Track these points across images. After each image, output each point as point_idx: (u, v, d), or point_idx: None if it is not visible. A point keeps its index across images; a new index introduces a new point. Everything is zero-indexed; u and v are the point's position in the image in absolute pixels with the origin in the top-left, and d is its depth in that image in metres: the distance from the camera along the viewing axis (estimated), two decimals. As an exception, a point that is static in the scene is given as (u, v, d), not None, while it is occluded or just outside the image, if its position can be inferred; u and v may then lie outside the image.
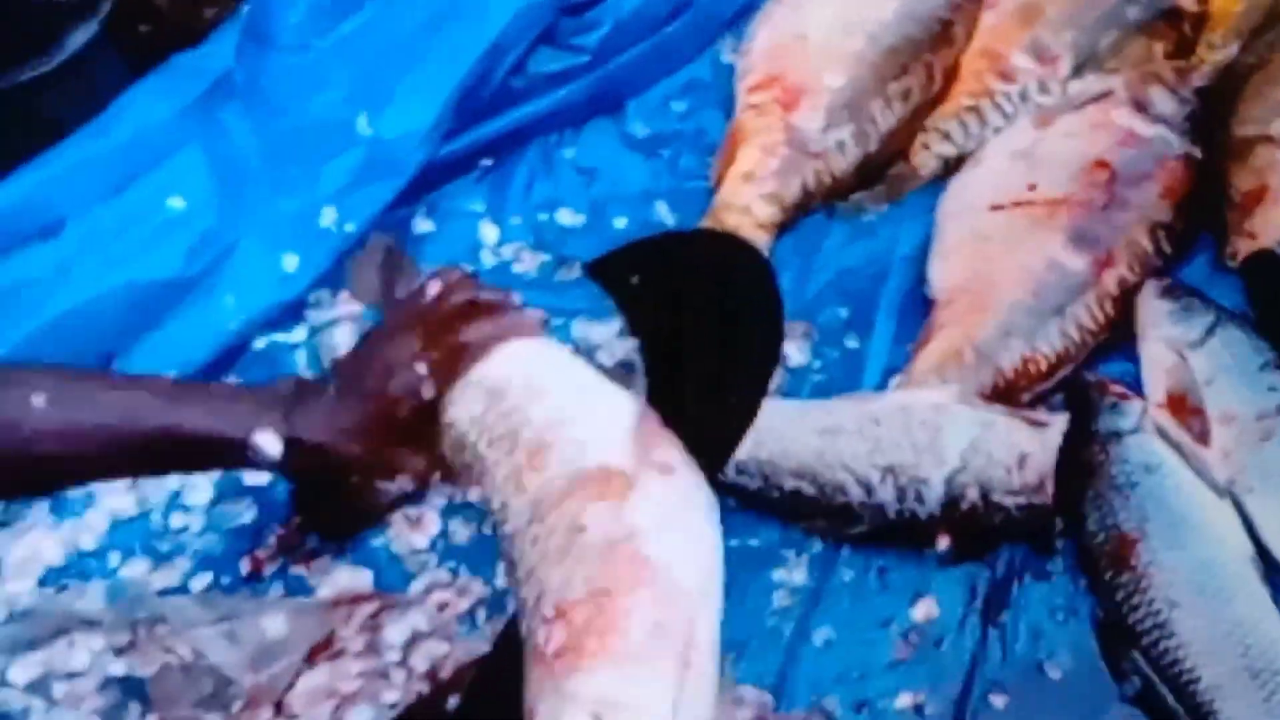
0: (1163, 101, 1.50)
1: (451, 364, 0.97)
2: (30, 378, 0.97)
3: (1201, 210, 1.46)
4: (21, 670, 1.22)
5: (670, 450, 0.90)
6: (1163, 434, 1.29)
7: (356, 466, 0.99)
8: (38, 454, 0.95)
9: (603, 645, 0.81)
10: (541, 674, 0.82)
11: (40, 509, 1.29)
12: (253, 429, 0.96)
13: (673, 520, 0.87)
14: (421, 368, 0.97)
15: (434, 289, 1.01)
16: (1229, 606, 1.20)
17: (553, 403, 0.93)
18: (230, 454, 0.97)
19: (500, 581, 1.28)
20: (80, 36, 1.44)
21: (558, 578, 0.84)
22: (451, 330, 0.98)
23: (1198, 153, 1.47)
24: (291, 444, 0.97)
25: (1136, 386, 1.34)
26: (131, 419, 0.95)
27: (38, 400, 0.94)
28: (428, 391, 0.97)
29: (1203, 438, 1.29)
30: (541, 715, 0.80)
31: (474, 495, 0.97)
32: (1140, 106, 1.49)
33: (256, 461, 0.98)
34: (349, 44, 1.44)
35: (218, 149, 1.37)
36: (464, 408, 0.95)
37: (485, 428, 0.93)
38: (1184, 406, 1.32)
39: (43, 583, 1.26)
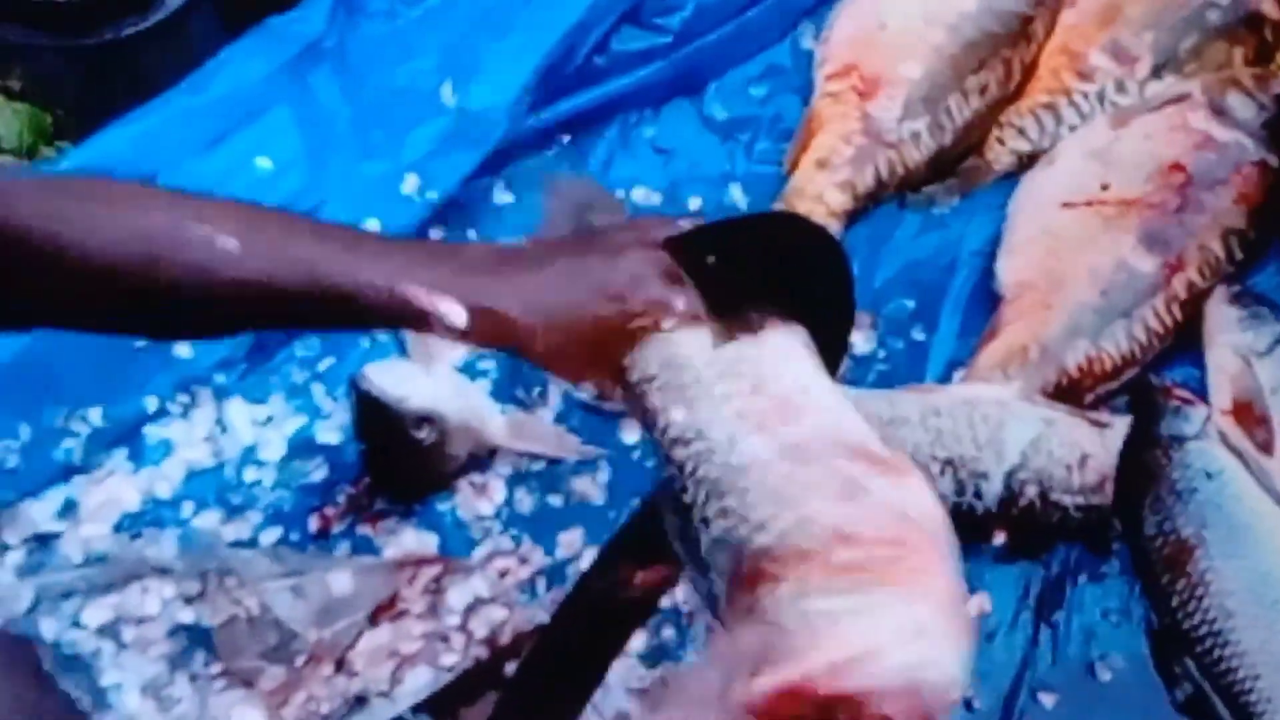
0: (1241, 107, 1.49)
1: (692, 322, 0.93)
2: (215, 214, 0.92)
3: (1275, 218, 1.45)
4: (94, 613, 1.25)
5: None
6: (1226, 441, 1.29)
7: (543, 359, 0.93)
8: (221, 299, 0.91)
9: (916, 581, 0.83)
10: (825, 574, 0.83)
11: (119, 456, 1.32)
12: (436, 294, 0.90)
13: (945, 518, 0.89)
14: (679, 302, 0.92)
15: (687, 226, 0.96)
16: (1286, 618, 1.21)
17: (804, 373, 0.93)
18: (414, 319, 0.91)
19: (561, 552, 1.30)
20: (178, -4, 1.46)
21: (840, 513, 0.84)
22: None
23: (1274, 160, 1.47)
24: (485, 315, 0.91)
25: (1201, 392, 1.34)
26: (317, 276, 0.90)
27: (227, 244, 0.89)
28: (668, 324, 0.92)
29: (1266, 447, 1.30)
30: (835, 604, 0.82)
31: (677, 416, 0.91)
32: (1218, 111, 1.49)
33: (438, 330, 0.92)
34: (437, 14, 1.46)
35: (306, 112, 1.40)
36: (693, 333, 0.93)
37: (717, 360, 0.92)
38: (1249, 414, 1.32)
39: (118, 528, 1.29)
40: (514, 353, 0.94)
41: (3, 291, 0.89)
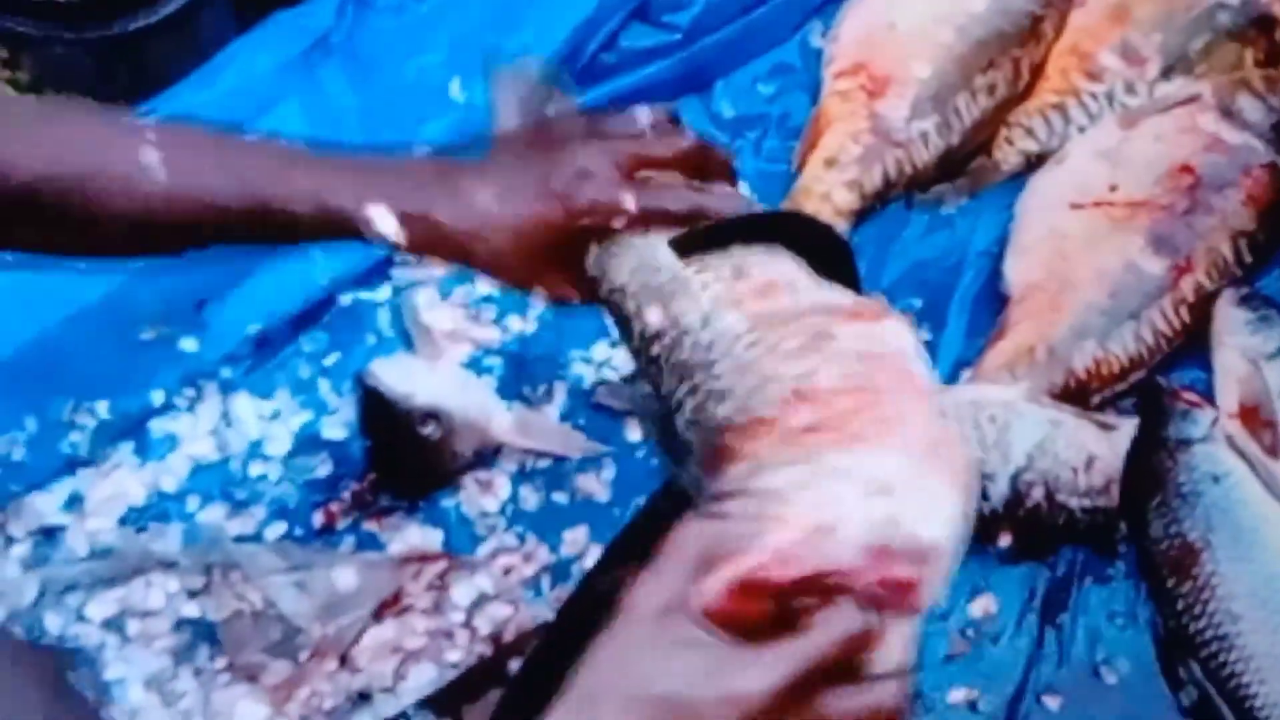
0: (1251, 109, 1.49)
1: (649, 221, 0.88)
2: (141, 128, 0.90)
3: (1284, 221, 1.45)
4: (98, 607, 1.26)
5: None
6: (1233, 444, 1.29)
7: (488, 266, 0.89)
8: (151, 215, 0.88)
9: (881, 431, 0.75)
10: (778, 444, 0.75)
11: (126, 449, 1.33)
12: (365, 202, 0.87)
13: (925, 361, 0.82)
14: (629, 199, 0.87)
15: (644, 118, 0.91)
16: (1292, 623, 1.21)
17: (789, 267, 0.87)
18: (347, 227, 0.88)
19: (565, 550, 1.30)
20: (189, -11, 1.46)
21: (796, 369, 0.78)
22: (663, 189, 0.88)
23: (1284, 162, 1.47)
24: (417, 222, 0.87)
25: (1209, 395, 1.34)
26: (245, 188, 0.87)
27: (149, 157, 0.87)
28: (619, 223, 0.87)
29: (1274, 450, 1.29)
30: (784, 479, 0.73)
31: (652, 316, 0.86)
32: (1227, 113, 1.48)
33: (372, 238, 0.88)
34: (446, 9, 1.45)
35: (314, 106, 1.40)
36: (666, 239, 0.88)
37: (695, 260, 0.87)
38: (1256, 418, 1.31)
39: (123, 522, 1.30)
40: (457, 262, 0.90)
41: None
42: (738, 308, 0.84)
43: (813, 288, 0.86)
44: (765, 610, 0.71)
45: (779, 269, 0.87)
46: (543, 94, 0.99)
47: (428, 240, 0.88)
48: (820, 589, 0.71)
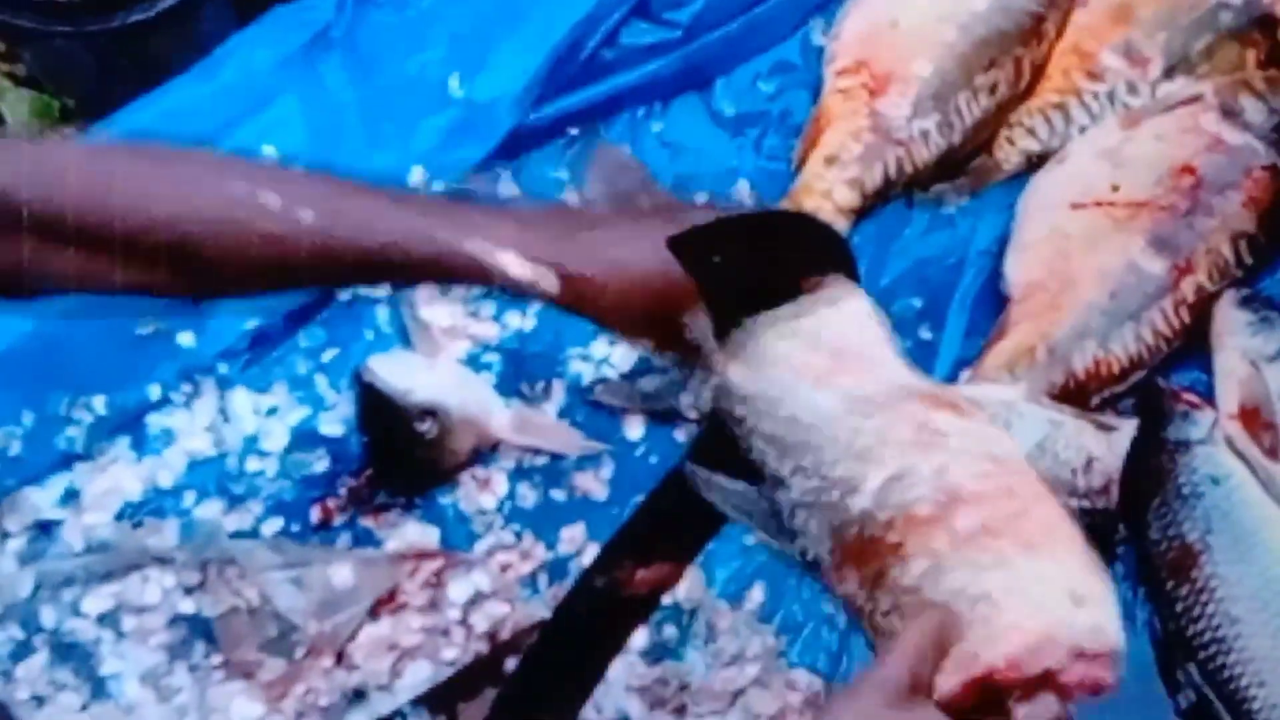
0: (1252, 110, 1.48)
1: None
2: (252, 172, 0.91)
3: (1285, 222, 1.45)
4: (94, 602, 1.26)
5: None
6: (1232, 446, 1.29)
7: (605, 313, 0.93)
8: (280, 258, 0.88)
9: (1050, 538, 0.87)
10: (955, 545, 0.85)
11: (122, 444, 1.32)
12: (498, 248, 0.89)
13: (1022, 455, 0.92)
14: None
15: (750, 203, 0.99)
16: (1290, 626, 1.21)
17: (853, 325, 0.95)
18: (473, 271, 0.90)
19: (563, 548, 1.30)
20: (189, -18, 1.46)
21: (927, 465, 0.87)
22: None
23: (1285, 164, 1.47)
24: (550, 269, 0.90)
25: (1209, 396, 1.34)
26: (376, 233, 0.88)
27: (270, 200, 0.87)
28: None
29: (1273, 452, 1.29)
30: (986, 584, 0.84)
31: (735, 374, 0.93)
32: (1229, 113, 1.48)
33: (501, 283, 0.90)
34: (446, 5, 1.45)
35: (314, 101, 1.39)
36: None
37: (774, 318, 0.94)
38: (1256, 419, 1.31)
39: (119, 516, 1.30)
40: (578, 309, 0.93)
41: (46, 259, 0.87)
42: (822, 385, 0.91)
43: (875, 347, 0.94)
44: (983, 698, 0.84)
45: (844, 327, 0.94)
46: (634, 179, 1.06)
47: (557, 287, 0.92)
48: (1032, 687, 0.84)
